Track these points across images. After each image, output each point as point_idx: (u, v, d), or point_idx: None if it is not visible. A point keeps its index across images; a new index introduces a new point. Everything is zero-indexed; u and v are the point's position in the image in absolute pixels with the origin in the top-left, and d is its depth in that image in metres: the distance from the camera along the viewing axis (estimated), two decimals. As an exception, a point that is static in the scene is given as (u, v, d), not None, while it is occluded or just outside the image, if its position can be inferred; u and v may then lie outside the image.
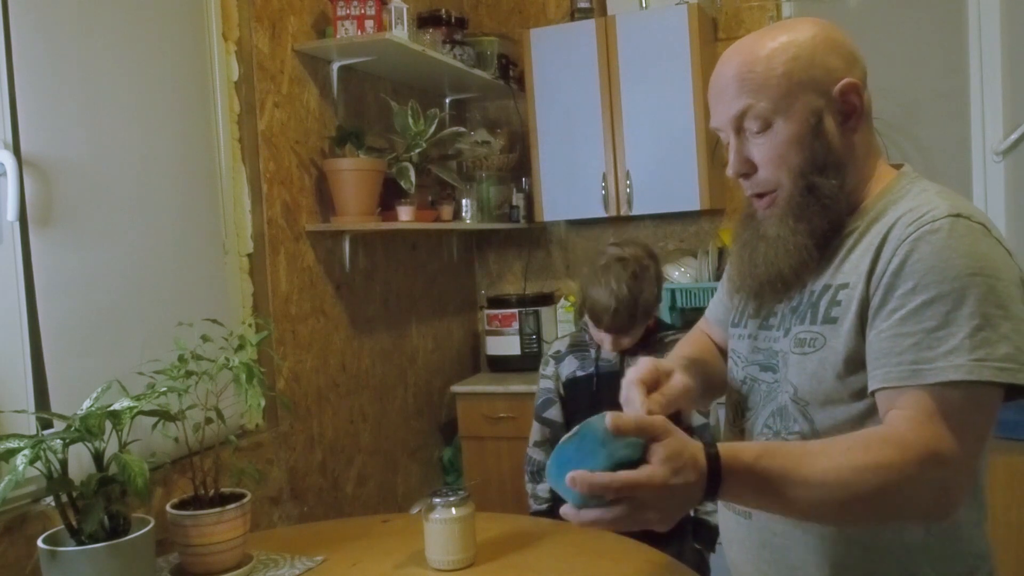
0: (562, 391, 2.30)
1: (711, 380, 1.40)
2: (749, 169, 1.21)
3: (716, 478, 1.00)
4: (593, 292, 2.13)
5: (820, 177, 1.18)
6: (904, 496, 1.05)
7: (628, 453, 0.96)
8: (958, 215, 1.10)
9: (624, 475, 0.94)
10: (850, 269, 1.17)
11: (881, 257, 1.13)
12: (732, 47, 1.23)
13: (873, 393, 1.11)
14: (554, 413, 2.30)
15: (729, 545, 1.35)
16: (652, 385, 1.22)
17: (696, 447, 1.00)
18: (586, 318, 2.21)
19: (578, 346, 2.29)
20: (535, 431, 2.33)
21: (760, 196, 1.23)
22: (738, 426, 1.32)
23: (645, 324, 2.18)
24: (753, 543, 1.27)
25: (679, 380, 1.25)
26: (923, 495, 1.06)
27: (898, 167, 1.27)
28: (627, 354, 2.18)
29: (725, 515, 1.34)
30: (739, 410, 1.33)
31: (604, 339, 2.18)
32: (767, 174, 1.20)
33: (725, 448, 1.02)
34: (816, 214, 1.18)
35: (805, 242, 1.19)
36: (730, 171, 1.23)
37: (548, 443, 2.29)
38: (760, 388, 1.28)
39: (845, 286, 1.17)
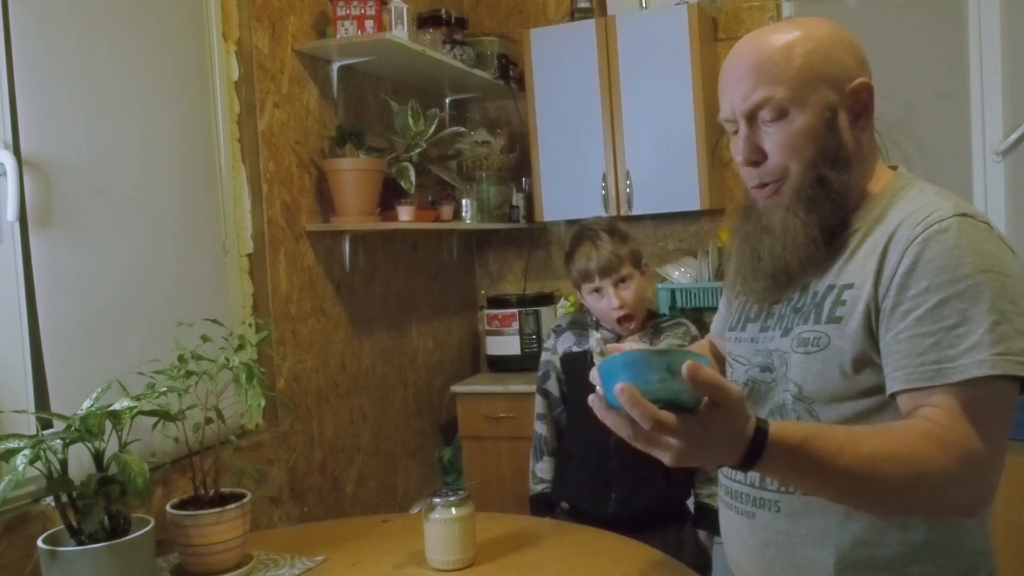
0: (558, 364, 2.30)
1: None
2: (759, 157, 1.21)
3: (755, 454, 0.98)
4: (575, 254, 2.16)
5: (831, 171, 1.18)
6: (940, 491, 1.06)
7: (685, 397, 0.93)
8: (963, 214, 1.12)
9: (667, 418, 0.91)
10: (855, 270, 1.18)
11: (888, 258, 1.14)
12: (745, 39, 1.23)
13: (892, 395, 1.12)
14: (552, 385, 2.30)
15: (731, 545, 1.35)
16: None
17: (747, 421, 0.97)
18: (582, 295, 2.21)
19: (577, 323, 2.29)
20: (537, 403, 2.34)
21: (764, 186, 1.23)
22: None
23: (637, 267, 2.16)
24: (756, 542, 1.27)
25: None
26: (959, 492, 1.07)
27: (893, 168, 1.28)
28: (625, 339, 2.18)
29: (727, 515, 1.34)
30: None
31: (608, 299, 2.12)
32: (777, 162, 1.20)
33: (774, 431, 0.99)
34: (827, 207, 1.19)
35: (815, 235, 1.19)
36: (739, 158, 1.23)
37: (548, 416, 2.30)
38: (759, 388, 1.28)
39: (850, 286, 1.17)
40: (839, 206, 1.19)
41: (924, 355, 1.08)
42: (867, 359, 1.14)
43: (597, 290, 2.14)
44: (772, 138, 1.19)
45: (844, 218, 1.21)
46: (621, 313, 2.13)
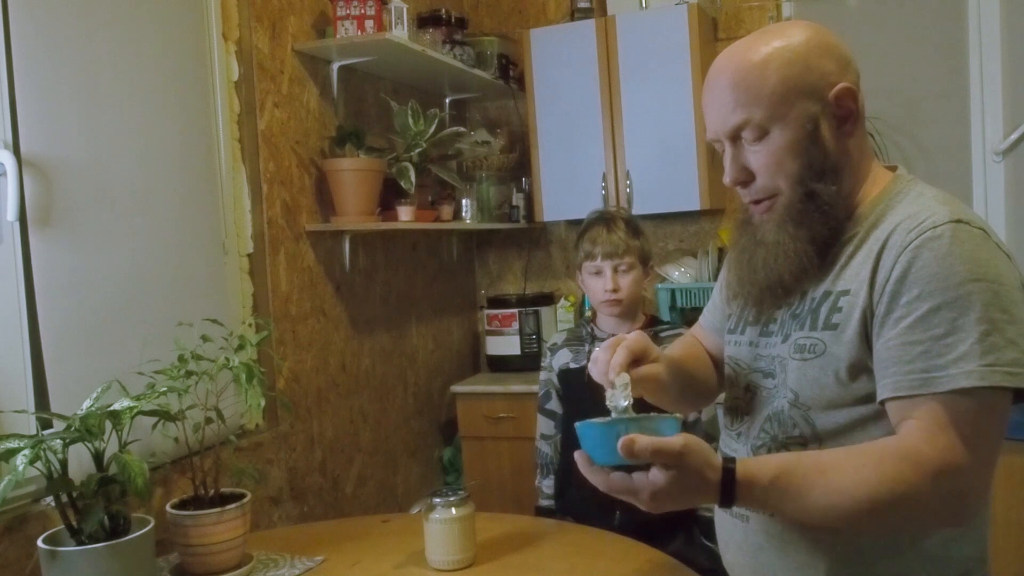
0: (556, 382, 2.32)
1: (693, 387, 1.41)
2: (747, 177, 1.21)
3: (730, 494, 1.06)
4: (588, 232, 2.21)
5: (819, 183, 1.18)
6: (918, 509, 1.07)
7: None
8: (959, 221, 1.10)
9: (616, 482, 1.05)
10: (851, 276, 1.17)
11: (882, 264, 1.13)
12: (724, 53, 1.23)
13: (882, 402, 1.11)
14: (554, 404, 2.34)
15: (726, 547, 1.35)
16: (636, 359, 1.23)
17: (707, 467, 1.05)
18: (582, 277, 2.25)
19: (574, 340, 2.32)
20: (540, 424, 2.36)
21: (758, 202, 1.23)
22: (735, 430, 1.33)
23: (643, 263, 2.20)
24: (751, 545, 1.27)
25: (654, 370, 1.26)
26: (938, 506, 1.07)
27: (892, 169, 1.27)
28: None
29: (722, 517, 1.34)
30: (737, 415, 1.33)
31: (604, 281, 2.16)
32: (765, 181, 1.20)
33: (743, 472, 1.06)
34: (816, 220, 1.18)
35: (805, 248, 1.19)
36: (727, 179, 1.23)
37: (555, 437, 2.32)
38: (760, 394, 1.28)
39: (846, 293, 1.17)
40: (830, 217, 1.19)
41: (913, 363, 1.07)
42: (863, 366, 1.14)
43: (598, 272, 2.18)
44: (757, 157, 1.19)
45: (836, 228, 1.20)
46: (612, 296, 2.16)
